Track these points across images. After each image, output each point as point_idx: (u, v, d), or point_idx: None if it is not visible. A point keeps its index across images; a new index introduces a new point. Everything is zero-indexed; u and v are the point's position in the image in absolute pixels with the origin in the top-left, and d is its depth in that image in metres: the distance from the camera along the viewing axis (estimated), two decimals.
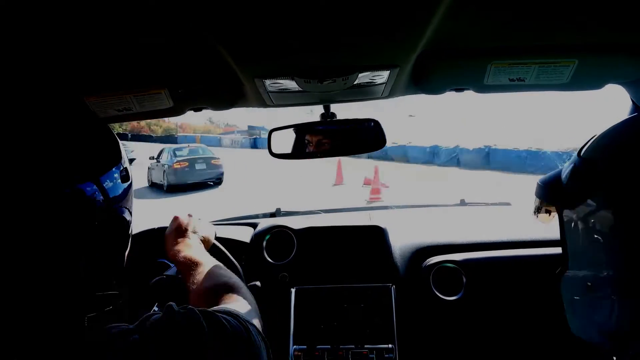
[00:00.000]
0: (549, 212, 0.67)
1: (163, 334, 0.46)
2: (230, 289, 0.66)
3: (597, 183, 0.55)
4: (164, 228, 1.10)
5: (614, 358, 0.54)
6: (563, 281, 0.64)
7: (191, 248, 0.79)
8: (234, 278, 0.71)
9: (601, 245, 0.54)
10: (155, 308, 0.86)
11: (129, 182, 0.54)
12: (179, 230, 0.84)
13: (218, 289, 0.66)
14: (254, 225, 1.42)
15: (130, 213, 0.55)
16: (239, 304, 0.62)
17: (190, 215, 0.88)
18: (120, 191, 0.52)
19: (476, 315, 1.22)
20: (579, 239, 0.59)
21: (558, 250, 1.24)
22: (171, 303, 0.51)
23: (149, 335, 0.46)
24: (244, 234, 1.38)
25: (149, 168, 12.05)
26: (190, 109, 0.95)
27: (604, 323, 0.55)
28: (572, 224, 0.60)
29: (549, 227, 1.30)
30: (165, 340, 0.45)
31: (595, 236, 0.55)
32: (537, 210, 0.69)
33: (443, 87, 0.90)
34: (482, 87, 0.86)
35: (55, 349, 0.43)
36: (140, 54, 0.71)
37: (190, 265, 0.73)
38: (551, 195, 0.65)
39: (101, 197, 0.48)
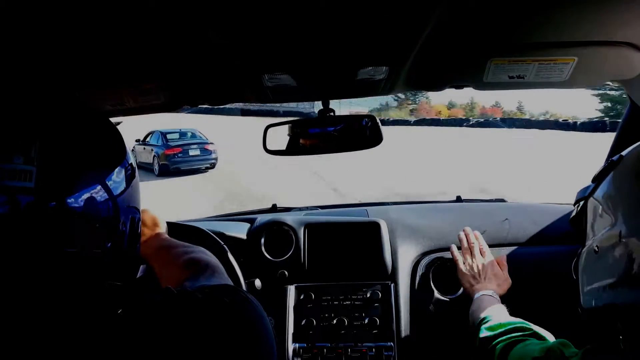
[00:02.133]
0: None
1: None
2: (196, 262, 0.67)
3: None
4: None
5: (620, 337, 0.55)
6: (579, 259, 0.67)
7: (150, 239, 0.78)
8: (197, 249, 0.72)
9: (611, 209, 0.58)
10: None
11: (135, 180, 0.54)
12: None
13: (186, 265, 0.67)
14: (251, 221, 1.41)
15: (138, 209, 0.55)
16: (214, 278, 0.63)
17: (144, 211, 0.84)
18: (127, 186, 0.51)
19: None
20: (592, 221, 0.63)
21: (555, 247, 1.26)
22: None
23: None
24: (241, 230, 1.37)
25: (132, 150, 11.36)
26: (186, 104, 0.94)
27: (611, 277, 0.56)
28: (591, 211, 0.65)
29: (544, 222, 1.32)
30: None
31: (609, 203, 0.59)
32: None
33: (443, 84, 0.90)
34: (481, 84, 0.86)
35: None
36: (135, 47, 0.70)
37: (157, 254, 0.74)
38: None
39: (107, 193, 0.48)
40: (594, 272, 0.61)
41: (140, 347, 0.43)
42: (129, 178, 0.52)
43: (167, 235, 0.80)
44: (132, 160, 0.54)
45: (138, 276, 0.86)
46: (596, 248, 0.60)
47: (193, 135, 12.21)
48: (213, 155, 11.28)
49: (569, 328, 0.82)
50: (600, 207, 0.61)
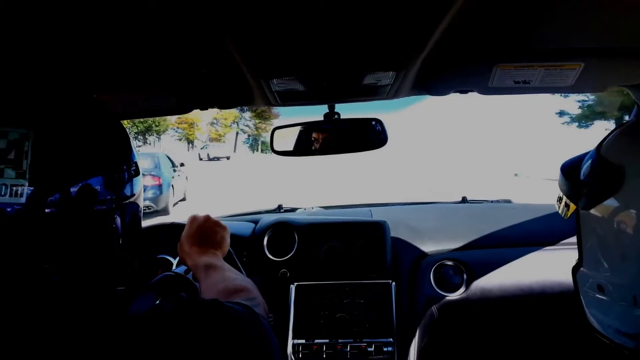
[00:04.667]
0: (568, 206, 0.65)
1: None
2: (243, 290, 0.66)
3: (616, 187, 0.52)
4: (163, 226, 1.10)
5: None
6: (578, 276, 0.62)
7: (212, 256, 0.77)
8: (249, 281, 0.70)
9: (617, 253, 0.52)
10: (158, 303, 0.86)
11: (139, 177, 0.55)
12: (199, 236, 0.81)
13: (231, 289, 0.66)
14: (256, 222, 1.43)
15: (141, 209, 0.56)
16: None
17: (208, 218, 0.84)
18: (131, 186, 0.52)
19: (476, 313, 1.23)
20: (594, 240, 0.57)
21: (561, 247, 1.25)
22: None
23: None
24: (245, 230, 1.39)
25: None
26: (196, 108, 0.95)
27: (621, 325, 0.53)
28: (588, 224, 0.58)
29: (550, 223, 1.32)
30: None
31: (610, 242, 0.53)
32: (559, 200, 0.67)
33: (448, 89, 0.90)
34: (486, 89, 0.86)
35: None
36: (148, 52, 0.72)
37: (209, 270, 0.72)
38: (569, 190, 0.62)
39: (113, 192, 0.49)
40: (601, 306, 0.56)
41: (139, 353, 0.42)
42: (134, 176, 0.53)
43: (221, 258, 0.78)
44: (137, 159, 0.55)
45: (176, 271, 0.87)
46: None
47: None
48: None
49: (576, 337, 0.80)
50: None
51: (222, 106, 0.95)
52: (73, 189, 0.45)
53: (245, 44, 0.64)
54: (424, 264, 1.27)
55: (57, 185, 0.44)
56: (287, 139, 1.04)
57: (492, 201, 1.77)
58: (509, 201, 1.76)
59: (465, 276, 1.23)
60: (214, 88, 0.88)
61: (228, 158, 27.84)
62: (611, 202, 0.53)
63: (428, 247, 1.31)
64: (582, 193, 0.58)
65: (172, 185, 7.56)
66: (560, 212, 0.66)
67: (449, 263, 1.24)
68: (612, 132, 0.60)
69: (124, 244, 0.53)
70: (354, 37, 0.64)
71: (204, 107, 0.95)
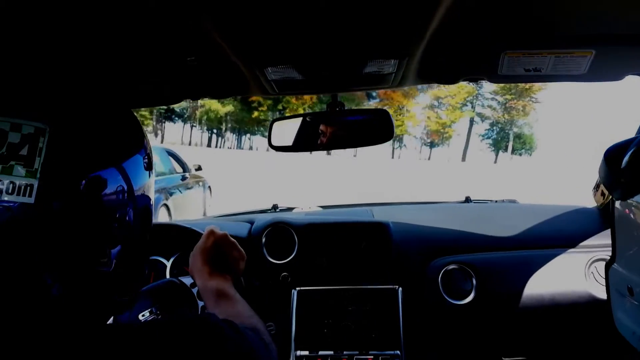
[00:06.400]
0: (603, 194, 0.61)
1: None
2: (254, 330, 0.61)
3: None
4: (155, 225, 1.05)
5: None
6: (610, 272, 0.59)
7: (223, 281, 0.73)
8: (262, 324, 0.66)
9: None
10: (147, 313, 0.81)
11: (151, 171, 0.52)
12: (214, 253, 0.76)
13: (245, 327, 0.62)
14: (251, 221, 1.36)
15: (152, 205, 0.53)
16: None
17: (226, 238, 0.79)
18: (142, 180, 0.49)
19: (488, 321, 1.18)
20: (628, 236, 0.54)
21: (573, 250, 1.21)
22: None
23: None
24: (241, 230, 1.32)
25: None
26: (188, 98, 0.90)
27: None
28: (624, 217, 0.54)
29: (560, 225, 1.28)
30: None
31: None
32: (596, 187, 0.64)
33: (455, 77, 0.88)
34: (496, 77, 0.85)
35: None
36: (134, 39, 0.67)
37: (220, 298, 0.69)
38: (608, 177, 0.59)
39: (124, 184, 0.46)
40: (629, 308, 0.54)
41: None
42: (147, 169, 0.50)
43: (232, 285, 0.74)
44: (150, 150, 0.52)
45: (183, 280, 0.83)
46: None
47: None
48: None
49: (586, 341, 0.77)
50: None
51: (216, 96, 0.90)
52: (84, 182, 0.42)
53: (233, 30, 0.60)
54: (431, 269, 1.22)
55: (69, 180, 0.41)
56: (286, 133, 0.98)
57: (496, 201, 1.73)
58: (514, 201, 1.72)
59: (474, 281, 1.18)
60: (206, 77, 0.83)
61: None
62: None
63: (433, 250, 1.26)
64: (621, 182, 0.54)
65: (167, 205, 4.45)
66: (595, 201, 0.62)
67: (457, 267, 1.19)
68: None
69: (138, 239, 0.50)
70: (352, 23, 0.60)
71: (196, 97, 0.90)
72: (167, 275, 1.11)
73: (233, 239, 0.79)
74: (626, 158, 0.56)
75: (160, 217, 4.22)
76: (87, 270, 0.43)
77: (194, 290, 0.81)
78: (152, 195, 0.52)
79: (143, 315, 0.74)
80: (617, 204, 0.56)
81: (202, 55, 0.73)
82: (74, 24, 0.58)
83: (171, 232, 1.10)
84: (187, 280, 0.83)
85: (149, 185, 0.51)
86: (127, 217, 0.46)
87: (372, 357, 1.14)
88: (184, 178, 5.30)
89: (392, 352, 1.14)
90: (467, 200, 1.64)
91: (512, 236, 1.26)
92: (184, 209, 4.84)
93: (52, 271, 0.41)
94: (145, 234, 0.51)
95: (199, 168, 6.11)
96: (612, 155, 0.60)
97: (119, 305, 0.50)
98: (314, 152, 1.19)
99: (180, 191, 4.91)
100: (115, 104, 0.51)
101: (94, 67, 0.75)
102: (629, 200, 0.53)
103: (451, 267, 1.20)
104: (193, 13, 0.55)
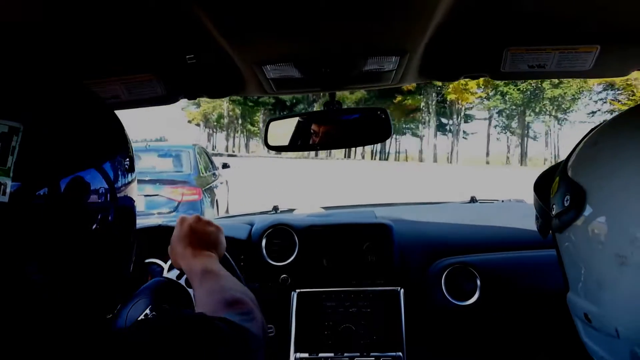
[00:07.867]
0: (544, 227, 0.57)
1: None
2: (241, 303, 0.61)
3: (579, 208, 0.45)
4: (149, 228, 1.04)
5: None
6: (567, 301, 0.55)
7: (207, 259, 0.73)
8: (248, 294, 0.66)
9: (593, 280, 0.46)
10: (147, 311, 0.80)
11: (133, 174, 0.50)
12: (192, 237, 0.76)
13: (227, 301, 0.61)
14: (251, 223, 1.35)
15: (135, 207, 0.51)
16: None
17: (199, 218, 0.79)
18: (123, 181, 0.47)
19: (492, 323, 1.16)
20: (572, 265, 0.50)
21: None
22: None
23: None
24: (241, 232, 1.31)
25: None
26: (184, 97, 0.89)
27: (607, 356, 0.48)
28: (564, 246, 0.51)
29: None
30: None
31: (585, 267, 0.47)
32: (536, 219, 0.60)
33: (457, 74, 0.87)
34: (499, 74, 0.83)
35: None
36: (126, 35, 0.65)
37: (205, 276, 0.68)
38: (540, 209, 0.56)
39: (104, 185, 0.44)
40: (589, 335, 0.51)
41: None
42: (128, 171, 0.48)
43: (217, 261, 0.74)
44: (132, 151, 0.50)
45: (168, 276, 0.83)
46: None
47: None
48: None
49: None
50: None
51: (211, 95, 0.89)
52: (63, 183, 0.40)
53: (229, 26, 0.59)
54: (434, 269, 1.20)
55: (46, 180, 0.40)
56: (282, 133, 0.97)
57: (502, 201, 1.70)
58: (521, 201, 1.69)
59: (479, 282, 1.15)
60: (202, 75, 0.82)
61: None
62: (578, 224, 0.45)
63: (437, 251, 1.24)
64: (551, 214, 0.51)
65: (217, 200, 4.64)
66: (539, 232, 0.59)
67: (461, 268, 1.17)
68: (574, 149, 0.52)
69: (122, 243, 0.49)
70: (350, 19, 0.59)
71: (192, 97, 0.88)
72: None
73: (206, 219, 0.79)
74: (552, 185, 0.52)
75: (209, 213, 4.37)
76: (66, 272, 0.42)
77: (182, 281, 0.81)
78: (136, 197, 0.51)
79: (139, 315, 0.73)
80: (557, 235, 0.52)
81: (200, 54, 0.73)
82: (68, 21, 0.57)
83: (167, 234, 1.10)
84: (173, 274, 0.83)
85: (132, 187, 0.49)
86: (109, 218, 0.45)
87: (373, 359, 1.13)
88: (215, 175, 5.43)
89: (393, 354, 1.13)
90: (473, 200, 1.62)
91: (518, 237, 1.24)
92: (220, 204, 5.06)
93: (31, 271, 0.40)
94: (129, 236, 0.50)
95: (226, 165, 6.20)
96: (540, 185, 0.57)
97: (107, 308, 0.49)
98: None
99: (214, 186, 5.11)
100: (96, 104, 0.49)
101: (86, 65, 0.74)
102: (564, 232, 0.49)
103: (455, 267, 1.18)
104: (191, 10, 0.54)
